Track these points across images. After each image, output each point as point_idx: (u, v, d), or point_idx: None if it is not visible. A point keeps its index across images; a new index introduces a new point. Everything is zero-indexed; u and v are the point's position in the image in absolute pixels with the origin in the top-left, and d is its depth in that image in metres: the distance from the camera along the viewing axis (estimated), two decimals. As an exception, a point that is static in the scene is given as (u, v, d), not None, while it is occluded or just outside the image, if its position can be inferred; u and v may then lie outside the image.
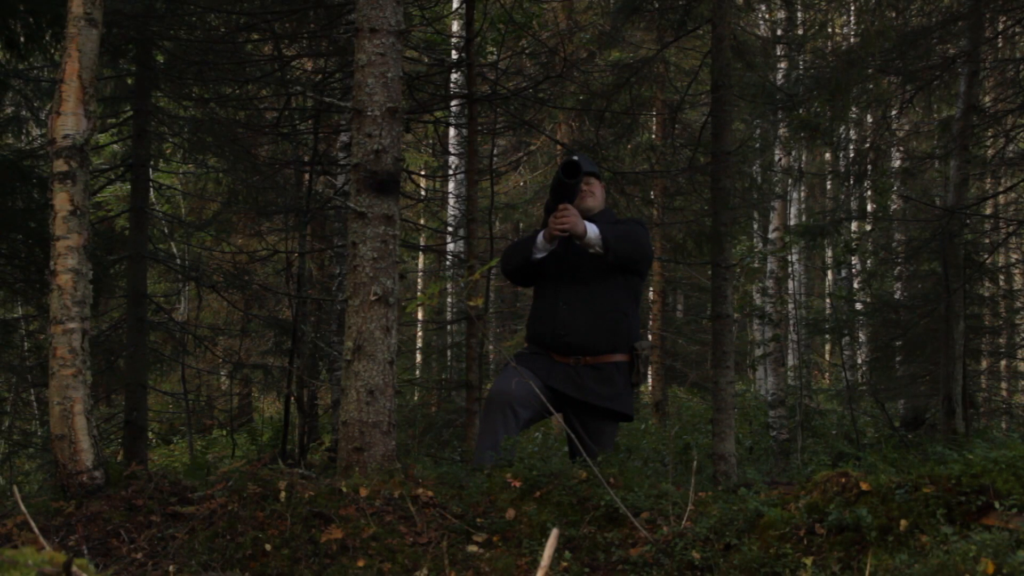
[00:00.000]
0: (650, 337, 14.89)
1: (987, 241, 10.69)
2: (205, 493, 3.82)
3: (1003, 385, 15.19)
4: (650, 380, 15.42)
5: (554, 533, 2.01)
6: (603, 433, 4.94)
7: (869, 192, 13.42)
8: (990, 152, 11.19)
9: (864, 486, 3.27)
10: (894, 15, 9.33)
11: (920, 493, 3.16)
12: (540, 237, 4.94)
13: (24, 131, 9.11)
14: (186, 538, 3.49)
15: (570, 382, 4.84)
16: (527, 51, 9.83)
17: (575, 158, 4.95)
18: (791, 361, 14.12)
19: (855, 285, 15.13)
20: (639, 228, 5.03)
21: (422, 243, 13.89)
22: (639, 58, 9.50)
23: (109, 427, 10.20)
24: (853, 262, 15.04)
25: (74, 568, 2.00)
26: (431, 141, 14.59)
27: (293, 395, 9.71)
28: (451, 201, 14.36)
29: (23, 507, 3.21)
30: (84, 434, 3.88)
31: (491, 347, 13.08)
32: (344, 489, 3.76)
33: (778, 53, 11.95)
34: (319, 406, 11.92)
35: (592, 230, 4.78)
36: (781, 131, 11.56)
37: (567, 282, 4.94)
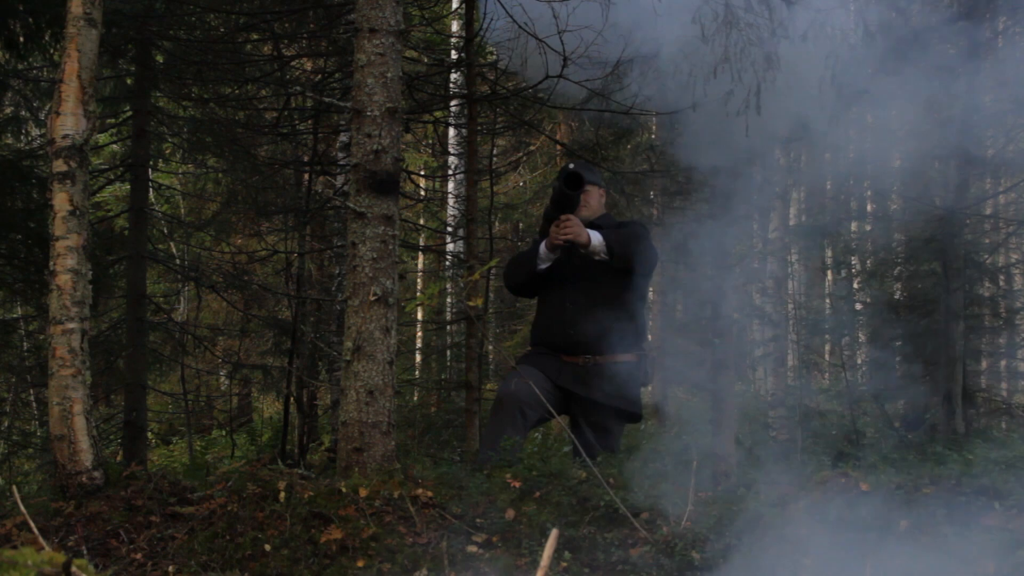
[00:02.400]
0: (650, 337, 14.87)
1: (987, 241, 10.68)
2: (204, 493, 3.82)
3: (1003, 385, 15.18)
4: (650, 380, 15.39)
5: (554, 533, 2.01)
6: (610, 433, 4.93)
7: (868, 192, 13.43)
8: (990, 152, 11.18)
9: (864, 486, 3.27)
10: (893, 15, 9.31)
11: (919, 494, 3.16)
12: (543, 247, 4.95)
13: (23, 131, 9.10)
14: (185, 538, 3.48)
15: (579, 381, 4.84)
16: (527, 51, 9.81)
17: (574, 167, 4.96)
18: (791, 361, 14.12)
19: (855, 285, 15.12)
20: (642, 230, 5.03)
21: (421, 243, 13.89)
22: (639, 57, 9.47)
23: (108, 427, 10.18)
24: (852, 262, 15.03)
25: (73, 568, 2.00)
26: (431, 141, 14.58)
27: (292, 395, 9.70)
28: (451, 201, 14.36)
29: (23, 507, 3.21)
30: (83, 434, 3.88)
31: (491, 347, 13.07)
32: (343, 489, 3.76)
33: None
34: (319, 406, 11.91)
35: (596, 237, 4.79)
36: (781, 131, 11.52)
37: (573, 285, 4.94)
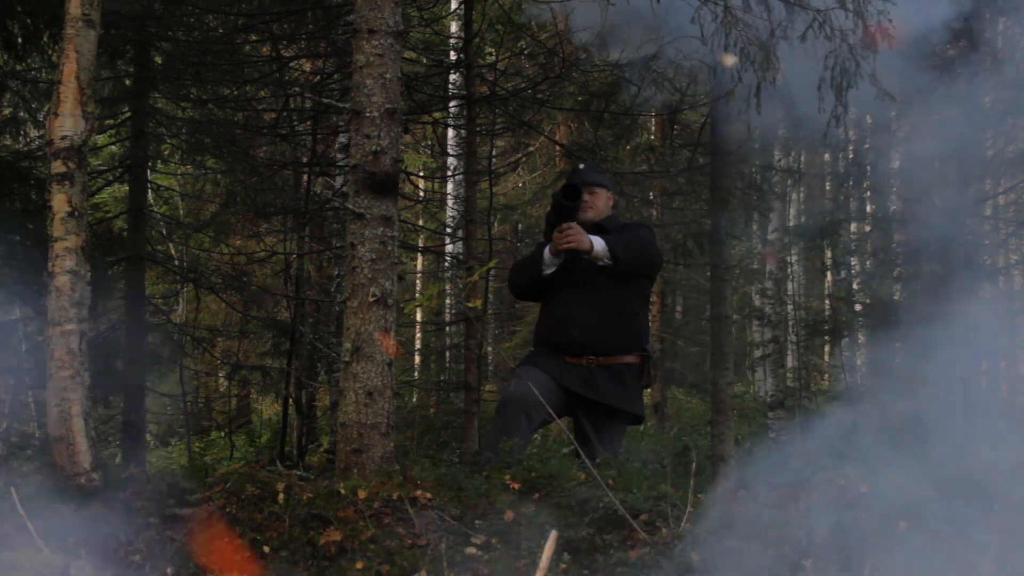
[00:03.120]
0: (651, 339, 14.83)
1: (987, 242, 10.67)
2: (203, 495, 3.81)
3: (1003, 386, 15.16)
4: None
5: (552, 535, 2.00)
6: (612, 434, 4.93)
7: (868, 193, 13.42)
8: (990, 152, 11.17)
9: (863, 487, 3.27)
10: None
11: (919, 494, 3.15)
12: (547, 253, 4.95)
13: (22, 132, 9.09)
14: (184, 540, 3.48)
15: (582, 382, 4.84)
16: (525, 52, 9.82)
17: (578, 175, 4.96)
18: (790, 362, 14.11)
19: (854, 286, 15.11)
20: (646, 233, 5.04)
21: (420, 244, 13.88)
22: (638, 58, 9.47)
23: (107, 429, 10.18)
24: (852, 263, 15.03)
25: (72, 570, 1.99)
26: (430, 142, 14.58)
27: (291, 397, 9.69)
28: (450, 202, 14.35)
29: (21, 509, 3.20)
30: (82, 436, 3.87)
31: (489, 349, 13.06)
32: (342, 491, 3.75)
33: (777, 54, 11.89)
34: (317, 407, 11.90)
35: (598, 244, 4.79)
36: (780, 131, 11.54)
37: (576, 287, 4.94)
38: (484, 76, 8.69)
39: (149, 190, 10.85)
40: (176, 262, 11.49)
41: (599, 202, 5.06)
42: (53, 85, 4.03)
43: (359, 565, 3.35)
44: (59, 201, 3.90)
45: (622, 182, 9.43)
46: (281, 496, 3.65)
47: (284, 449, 9.05)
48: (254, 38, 8.99)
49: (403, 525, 3.60)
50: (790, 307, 13.61)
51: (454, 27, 12.40)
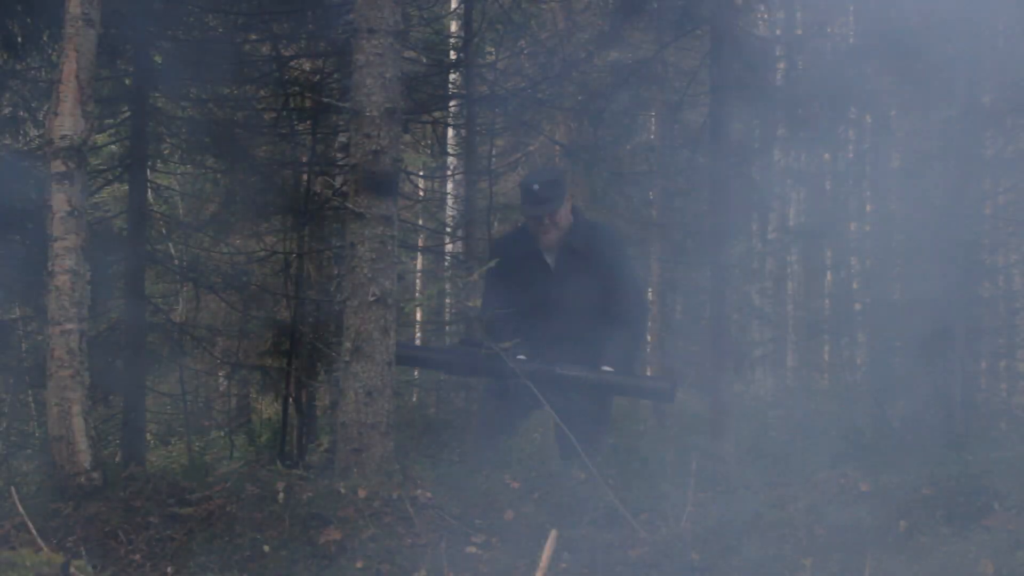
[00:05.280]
0: (649, 338, 14.85)
1: (987, 242, 10.68)
2: (203, 494, 3.82)
3: (1003, 386, 15.18)
4: (649, 381, 15.35)
5: (552, 534, 2.00)
6: (595, 409, 5.10)
7: (868, 192, 13.44)
8: (990, 152, 11.17)
9: (863, 487, 3.27)
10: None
11: (919, 494, 3.15)
12: None
13: (22, 132, 9.09)
14: (184, 539, 3.48)
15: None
16: (525, 51, 9.82)
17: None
18: (790, 362, 14.12)
19: (854, 286, 15.12)
20: (627, 270, 5.22)
21: (420, 244, 13.87)
22: (638, 58, 9.49)
23: (107, 428, 10.16)
24: (852, 263, 15.02)
25: (72, 569, 1.99)
26: (429, 142, 14.58)
27: (291, 396, 9.68)
28: (449, 202, 14.35)
29: (21, 508, 3.20)
30: (82, 435, 3.87)
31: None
32: (342, 490, 3.75)
33: (777, 53, 11.92)
34: (317, 407, 11.89)
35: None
36: (780, 131, 11.54)
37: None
38: (484, 76, 8.69)
39: (148, 189, 10.83)
40: (176, 261, 11.48)
41: (561, 219, 5.02)
42: (53, 84, 4.04)
43: (359, 564, 3.36)
44: (59, 201, 3.90)
45: (622, 182, 9.44)
46: (281, 495, 3.65)
47: (284, 448, 9.04)
48: (254, 37, 8.98)
49: (403, 524, 3.60)
50: (790, 307, 13.62)
51: (454, 26, 12.40)
